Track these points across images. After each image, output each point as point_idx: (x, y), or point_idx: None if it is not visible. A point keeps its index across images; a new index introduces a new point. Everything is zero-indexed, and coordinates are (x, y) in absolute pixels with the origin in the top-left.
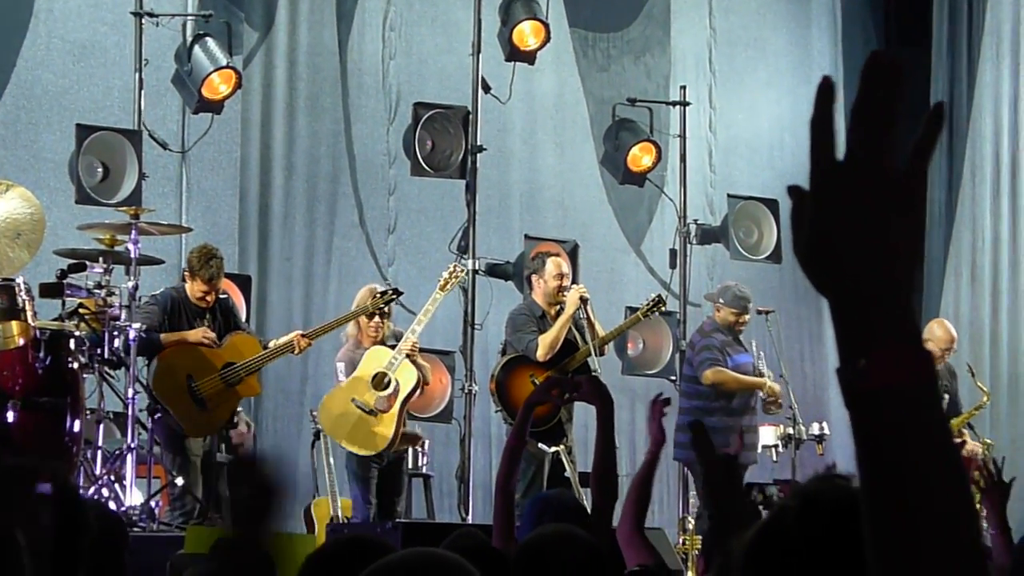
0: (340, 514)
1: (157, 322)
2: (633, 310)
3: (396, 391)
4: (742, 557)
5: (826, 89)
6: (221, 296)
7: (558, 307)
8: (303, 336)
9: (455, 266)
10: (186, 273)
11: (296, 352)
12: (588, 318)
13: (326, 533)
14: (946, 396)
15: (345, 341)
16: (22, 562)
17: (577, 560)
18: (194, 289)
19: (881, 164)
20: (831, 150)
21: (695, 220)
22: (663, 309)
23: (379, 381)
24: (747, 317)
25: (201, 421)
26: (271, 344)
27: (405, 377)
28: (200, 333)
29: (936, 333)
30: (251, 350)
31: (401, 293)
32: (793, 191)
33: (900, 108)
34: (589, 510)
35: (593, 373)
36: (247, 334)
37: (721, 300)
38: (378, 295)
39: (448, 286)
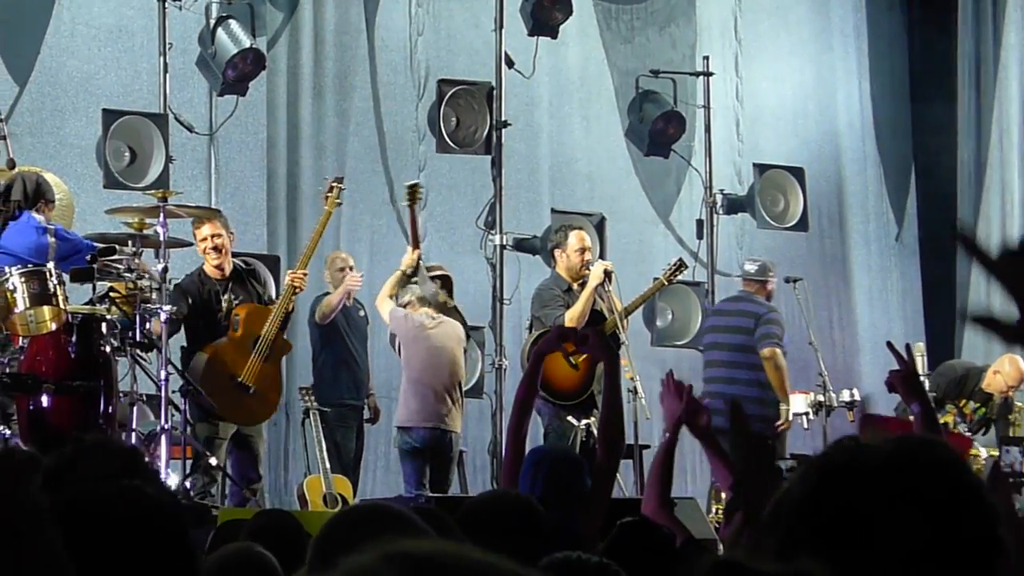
0: (334, 491)
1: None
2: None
3: None
4: (765, 524)
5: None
6: (245, 267)
7: (581, 280)
8: (293, 273)
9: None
10: (194, 233)
11: (300, 289)
12: (608, 294)
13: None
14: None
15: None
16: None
17: (507, 516)
18: (202, 242)
19: None
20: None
21: (721, 190)
22: (685, 272)
23: None
24: None
25: (254, 407)
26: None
27: None
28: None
29: (1006, 368)
30: (262, 316)
31: (340, 178)
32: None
33: None
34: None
35: (622, 344)
36: (246, 304)
37: (771, 274)
38: (326, 195)
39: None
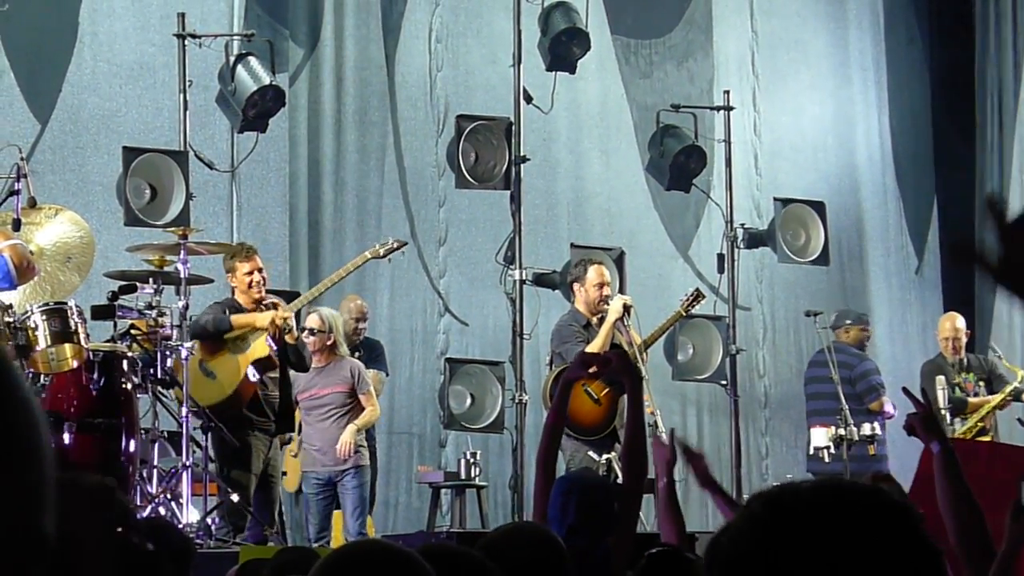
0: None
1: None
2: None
3: None
4: (706, 561)
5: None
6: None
7: (600, 315)
8: (283, 311)
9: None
10: (229, 275)
11: (280, 331)
12: (627, 328)
13: None
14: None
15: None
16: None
17: (527, 551)
18: (241, 280)
19: None
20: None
21: (742, 224)
22: (702, 302)
23: None
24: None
25: (208, 388)
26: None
27: None
28: (268, 317)
29: (944, 325)
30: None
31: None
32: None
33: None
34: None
35: (642, 378)
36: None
37: (848, 322)
38: (377, 246)
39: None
